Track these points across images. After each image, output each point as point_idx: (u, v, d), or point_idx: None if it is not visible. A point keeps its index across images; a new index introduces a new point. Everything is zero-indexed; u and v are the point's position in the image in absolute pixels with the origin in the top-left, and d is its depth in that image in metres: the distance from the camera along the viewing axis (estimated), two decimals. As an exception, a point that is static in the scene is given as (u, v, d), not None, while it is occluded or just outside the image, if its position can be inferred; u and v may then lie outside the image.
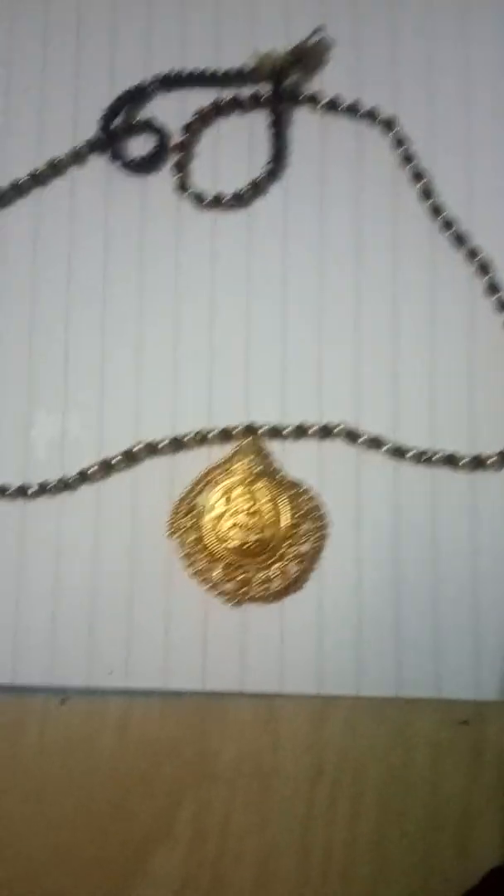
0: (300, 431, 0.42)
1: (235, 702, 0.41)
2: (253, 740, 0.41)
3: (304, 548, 0.42)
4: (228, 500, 0.42)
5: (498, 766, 0.40)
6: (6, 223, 0.46)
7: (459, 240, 0.43)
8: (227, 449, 0.43)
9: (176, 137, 0.46)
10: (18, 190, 0.45)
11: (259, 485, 0.42)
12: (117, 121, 0.46)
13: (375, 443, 0.42)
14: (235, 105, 0.46)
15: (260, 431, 0.42)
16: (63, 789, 0.41)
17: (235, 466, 0.42)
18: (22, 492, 0.42)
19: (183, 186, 0.45)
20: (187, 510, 0.42)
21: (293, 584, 0.41)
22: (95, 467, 0.42)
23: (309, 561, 0.42)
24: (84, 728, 0.41)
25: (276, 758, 0.41)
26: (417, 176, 0.44)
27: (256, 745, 0.41)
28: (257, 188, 0.45)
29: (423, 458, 0.42)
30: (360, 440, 0.42)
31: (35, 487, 0.42)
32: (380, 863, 0.40)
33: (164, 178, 0.46)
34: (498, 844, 0.40)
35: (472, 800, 0.40)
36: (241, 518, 0.41)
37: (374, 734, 0.41)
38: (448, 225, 0.44)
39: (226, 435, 0.42)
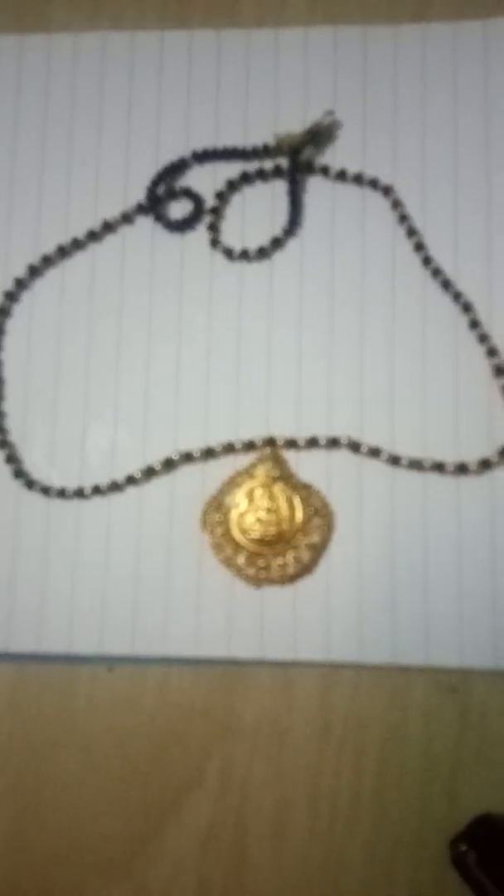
0: (312, 443, 0.48)
1: (256, 669, 0.46)
2: (271, 702, 0.46)
3: (315, 539, 0.47)
4: (251, 500, 0.47)
5: (482, 727, 0.45)
6: (68, 272, 0.52)
7: (446, 284, 0.49)
8: (251, 457, 0.48)
9: (210, 202, 0.52)
10: (77, 245, 0.52)
11: (277, 486, 0.47)
12: (160, 188, 0.52)
13: (375, 452, 0.47)
14: (259, 175, 0.52)
15: (278, 443, 0.48)
16: (109, 745, 0.46)
17: (257, 471, 0.48)
18: (78, 493, 0.49)
19: (215, 243, 0.51)
20: (216, 508, 0.48)
21: (305, 569, 0.47)
22: (140, 473, 0.48)
23: (319, 550, 0.47)
24: (128, 691, 0.47)
25: (291, 718, 0.46)
26: (411, 232, 0.50)
27: (274, 706, 0.46)
28: (277, 244, 0.51)
29: (415, 465, 0.47)
30: (362, 450, 0.48)
31: (89, 490, 0.49)
32: (380, 811, 0.45)
33: (199, 236, 0.52)
34: (482, 795, 0.45)
35: (460, 757, 0.45)
36: (262, 514, 0.47)
37: (375, 699, 0.46)
38: (437, 272, 0.50)
39: (250, 445, 0.48)
